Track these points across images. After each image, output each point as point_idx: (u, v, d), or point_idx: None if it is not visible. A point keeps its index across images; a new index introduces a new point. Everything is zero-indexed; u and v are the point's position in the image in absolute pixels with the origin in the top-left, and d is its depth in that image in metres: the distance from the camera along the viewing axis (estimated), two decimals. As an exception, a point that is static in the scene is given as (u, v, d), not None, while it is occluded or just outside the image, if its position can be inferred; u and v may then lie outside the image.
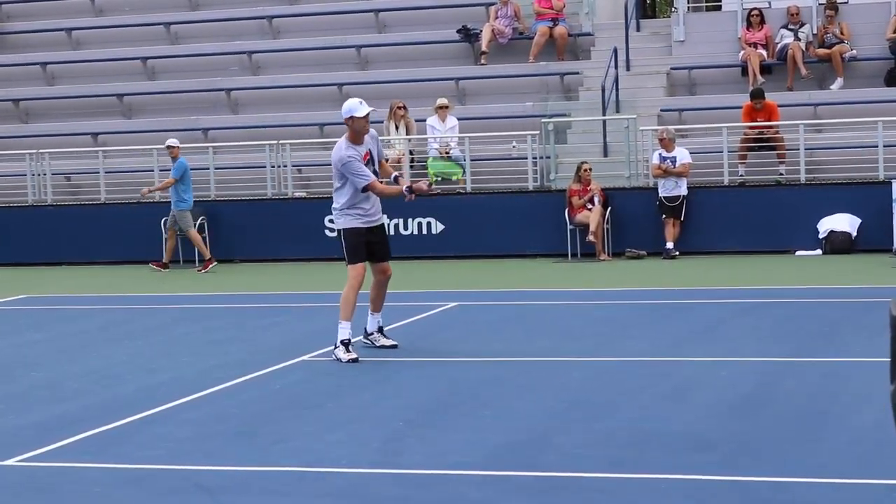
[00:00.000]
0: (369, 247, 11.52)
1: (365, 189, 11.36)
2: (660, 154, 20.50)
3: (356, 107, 11.41)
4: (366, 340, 11.87)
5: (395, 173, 12.02)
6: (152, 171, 23.04)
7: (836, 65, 22.55)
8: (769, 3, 24.58)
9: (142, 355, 12.11)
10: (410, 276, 18.67)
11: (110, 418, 9.10)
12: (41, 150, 23.84)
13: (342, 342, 11.31)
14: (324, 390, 10.10)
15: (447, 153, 22.08)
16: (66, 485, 7.41)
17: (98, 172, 23.47)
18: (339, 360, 11.21)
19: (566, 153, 22.07)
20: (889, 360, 5.35)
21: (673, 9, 25.34)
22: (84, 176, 24.24)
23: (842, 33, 22.80)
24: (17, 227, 23.18)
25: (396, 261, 20.38)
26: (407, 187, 11.46)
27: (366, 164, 11.40)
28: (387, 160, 12.25)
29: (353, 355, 11.25)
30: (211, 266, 20.91)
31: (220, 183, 22.87)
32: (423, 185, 11.67)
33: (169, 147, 21.25)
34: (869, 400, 8.98)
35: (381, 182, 11.67)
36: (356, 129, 11.41)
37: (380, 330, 11.92)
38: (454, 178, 12.22)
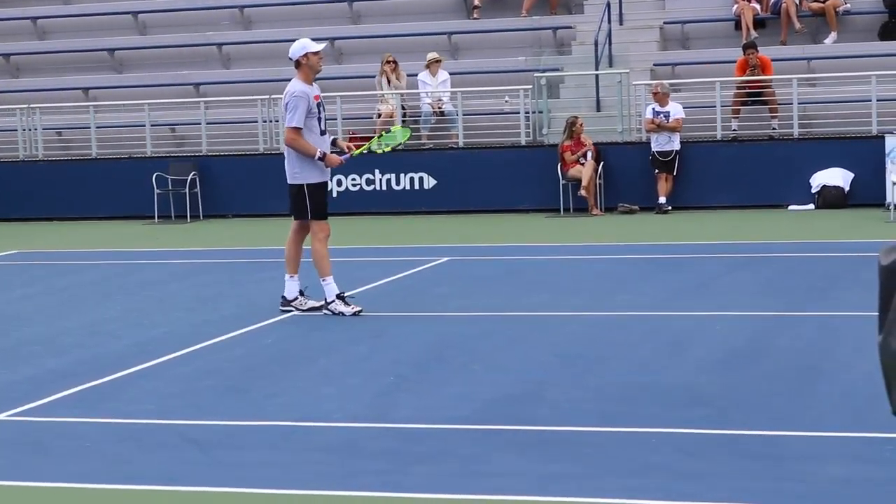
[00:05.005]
0: None
1: (292, 131, 11.13)
2: (653, 109, 20.44)
3: (309, 43, 11.23)
4: (286, 308, 11.45)
5: (332, 137, 11.72)
6: (143, 126, 22.97)
7: (830, 19, 22.46)
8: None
9: (134, 310, 12.09)
10: (402, 231, 18.68)
11: (102, 373, 9.09)
12: (32, 105, 23.72)
13: (338, 296, 11.26)
14: (315, 345, 10.09)
15: (440, 108, 22.01)
16: (57, 439, 7.39)
17: (89, 127, 23.37)
18: (341, 314, 11.14)
19: (559, 108, 22.00)
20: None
21: (667, -38, 25.19)
22: (75, 131, 24.15)
23: (836, -13, 22.71)
24: (9, 183, 23.10)
25: (389, 215, 20.53)
26: (320, 155, 11.19)
27: (318, 106, 11.20)
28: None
29: (357, 308, 11.21)
30: None
31: (211, 138, 22.78)
32: (334, 158, 11.38)
33: None
34: (862, 353, 8.99)
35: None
36: (311, 66, 11.22)
37: (301, 293, 11.51)
38: (405, 139, 12.07)
